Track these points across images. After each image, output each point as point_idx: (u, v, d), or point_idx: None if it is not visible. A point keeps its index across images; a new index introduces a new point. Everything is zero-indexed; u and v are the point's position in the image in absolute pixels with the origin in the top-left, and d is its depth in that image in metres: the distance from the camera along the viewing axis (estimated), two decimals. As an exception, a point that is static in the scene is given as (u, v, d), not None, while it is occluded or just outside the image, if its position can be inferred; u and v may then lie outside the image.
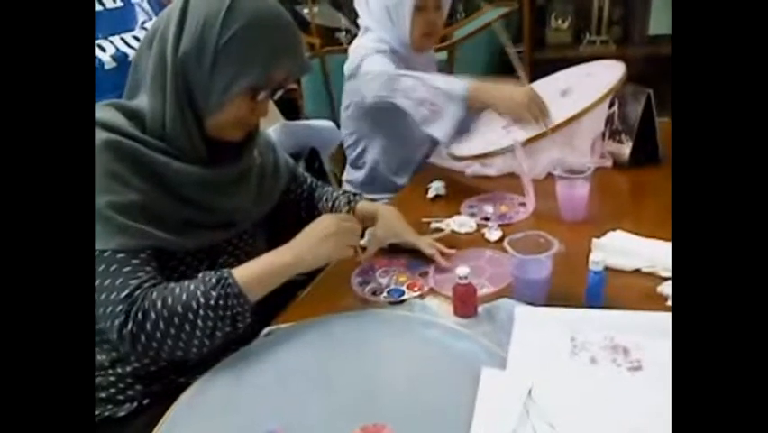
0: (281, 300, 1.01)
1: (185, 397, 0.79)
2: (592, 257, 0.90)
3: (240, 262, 0.87)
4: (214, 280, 0.82)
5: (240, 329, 0.84)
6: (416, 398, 0.73)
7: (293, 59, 0.88)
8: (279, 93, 0.91)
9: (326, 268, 1.07)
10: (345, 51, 1.57)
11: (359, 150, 1.64)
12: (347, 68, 1.53)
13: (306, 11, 3.17)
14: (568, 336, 0.79)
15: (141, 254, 0.82)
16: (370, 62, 1.45)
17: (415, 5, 1.41)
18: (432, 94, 1.34)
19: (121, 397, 0.92)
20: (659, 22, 2.71)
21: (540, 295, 0.90)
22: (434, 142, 1.58)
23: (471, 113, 1.38)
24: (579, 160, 1.31)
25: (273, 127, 1.56)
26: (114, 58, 1.82)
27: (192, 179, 0.87)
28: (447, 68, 2.66)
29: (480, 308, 0.90)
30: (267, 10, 0.85)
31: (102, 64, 1.79)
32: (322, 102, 2.51)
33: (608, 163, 1.40)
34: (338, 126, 1.67)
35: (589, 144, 1.39)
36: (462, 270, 0.87)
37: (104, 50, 1.85)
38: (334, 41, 3.22)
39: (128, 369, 0.92)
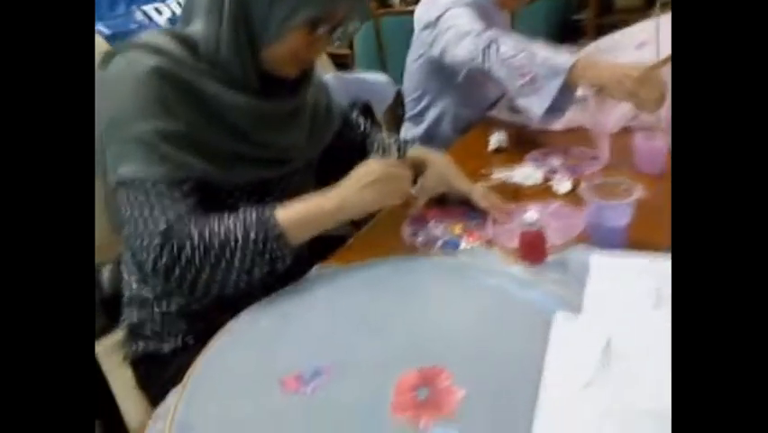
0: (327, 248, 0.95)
1: (229, 328, 0.74)
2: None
3: (289, 201, 0.81)
4: (254, 218, 0.77)
5: (279, 270, 0.79)
6: (476, 344, 0.65)
7: None
8: (338, 37, 0.84)
9: (375, 218, 1.00)
10: (399, 14, 1.48)
11: (422, 105, 1.55)
12: (422, 15, 1.41)
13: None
14: (652, 286, 0.69)
15: (183, 186, 0.78)
16: (455, 15, 1.29)
17: None
18: (533, 63, 1.12)
19: (165, 333, 0.89)
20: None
21: (618, 245, 0.80)
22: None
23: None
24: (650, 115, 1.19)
25: (326, 77, 1.50)
26: (170, 21, 1.81)
27: (243, 110, 0.83)
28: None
29: (549, 258, 0.80)
30: None
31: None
32: (374, 68, 2.44)
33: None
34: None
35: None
36: (531, 215, 0.78)
37: (160, 12, 1.84)
38: (387, 5, 3.14)
39: (173, 306, 0.89)
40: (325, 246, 0.94)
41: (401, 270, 0.80)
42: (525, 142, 1.25)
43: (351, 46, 2.84)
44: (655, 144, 1.04)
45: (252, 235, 0.76)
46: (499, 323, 0.68)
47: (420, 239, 0.92)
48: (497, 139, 1.25)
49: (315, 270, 0.86)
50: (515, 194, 1.04)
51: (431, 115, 1.54)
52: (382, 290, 0.77)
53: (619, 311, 0.67)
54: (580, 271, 0.76)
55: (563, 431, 0.53)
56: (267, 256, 0.76)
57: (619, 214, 0.80)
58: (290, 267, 0.81)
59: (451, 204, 1.00)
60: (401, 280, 0.78)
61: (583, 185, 0.82)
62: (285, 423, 0.59)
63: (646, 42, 1.35)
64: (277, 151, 0.89)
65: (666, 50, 1.21)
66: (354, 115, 1.18)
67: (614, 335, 0.62)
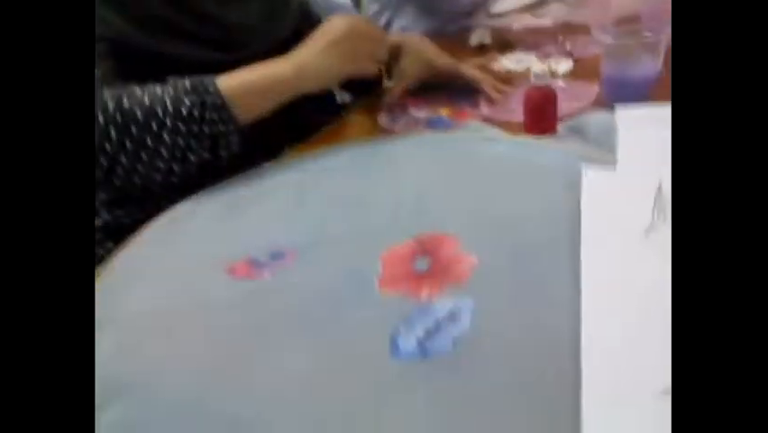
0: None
1: (159, 218, 0.57)
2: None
3: None
4: (188, 85, 0.60)
5: (223, 158, 0.62)
6: (484, 210, 0.49)
7: None
8: None
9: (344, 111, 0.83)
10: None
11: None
12: None
13: None
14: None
15: (97, 45, 0.61)
16: None
17: None
18: None
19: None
20: None
21: (643, 100, 0.65)
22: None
23: None
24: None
25: None
26: None
27: None
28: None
29: (560, 127, 0.65)
30: None
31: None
32: None
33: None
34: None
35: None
36: (539, 66, 0.62)
37: None
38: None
39: (98, 220, 0.72)
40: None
41: (383, 148, 0.63)
42: (508, 42, 1.09)
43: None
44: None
45: (186, 104, 0.59)
46: (510, 186, 0.52)
47: (401, 122, 0.76)
48: (478, 35, 1.09)
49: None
50: (506, 82, 0.89)
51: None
52: (361, 167, 0.60)
53: (659, 165, 0.52)
54: (602, 137, 0.61)
55: (623, 281, 0.38)
56: (206, 130, 0.60)
57: (647, 64, 0.65)
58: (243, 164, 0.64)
59: (434, 91, 0.83)
60: (384, 155, 0.62)
61: (601, 36, 0.67)
62: (229, 315, 0.43)
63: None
64: (224, 29, 0.72)
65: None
66: (314, 10, 1.01)
67: (663, 183, 0.47)
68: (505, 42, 1.06)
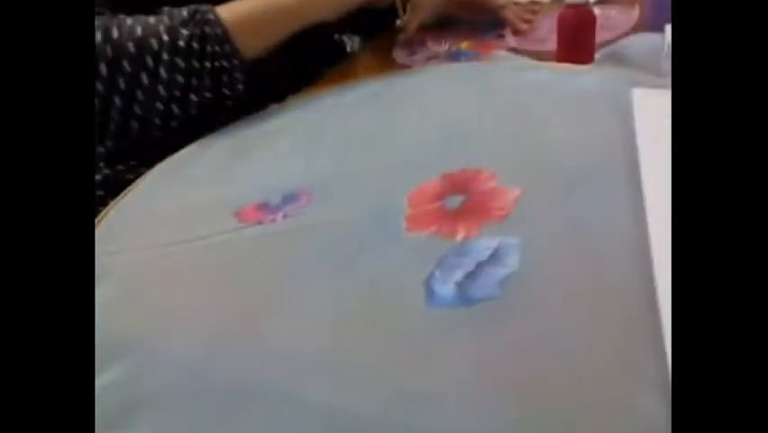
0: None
1: (162, 163, 0.52)
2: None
3: None
4: (184, 14, 0.54)
5: (227, 97, 0.56)
6: (521, 139, 0.43)
7: None
8: None
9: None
10: None
11: None
12: None
13: None
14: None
15: None
16: None
17: None
18: None
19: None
20: None
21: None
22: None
23: None
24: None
25: None
26: None
27: None
28: None
29: (597, 55, 0.59)
30: None
31: None
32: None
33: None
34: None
35: None
36: (574, -18, 0.55)
37: None
38: None
39: (98, 175, 0.66)
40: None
41: (404, 81, 0.57)
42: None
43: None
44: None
45: (184, 35, 0.53)
46: (551, 115, 0.45)
47: (419, 57, 0.69)
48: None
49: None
50: (534, 12, 0.81)
51: None
52: (381, 102, 0.53)
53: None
54: (647, 61, 0.54)
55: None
56: (207, 67, 0.54)
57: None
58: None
59: (454, 24, 0.76)
60: (406, 88, 0.55)
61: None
62: (238, 263, 0.38)
63: None
64: None
65: None
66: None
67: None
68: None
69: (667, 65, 0.50)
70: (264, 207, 0.42)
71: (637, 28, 0.64)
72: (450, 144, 0.44)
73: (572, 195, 0.36)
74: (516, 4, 0.75)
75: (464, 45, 0.70)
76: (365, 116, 0.51)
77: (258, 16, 0.57)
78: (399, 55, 0.71)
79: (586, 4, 0.56)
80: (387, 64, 0.70)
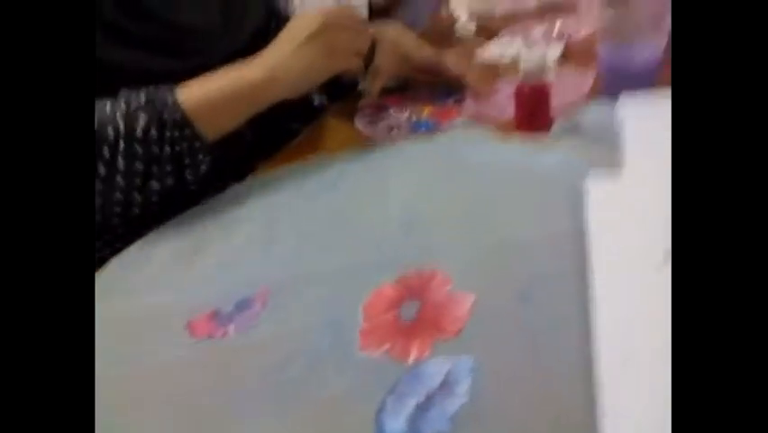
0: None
1: (114, 261, 0.50)
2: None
3: None
4: (142, 99, 0.53)
5: (190, 181, 0.55)
6: (479, 233, 0.43)
7: None
8: None
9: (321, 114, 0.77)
10: None
11: None
12: None
13: None
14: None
15: None
16: None
17: None
18: None
19: None
20: None
21: (647, 87, 0.59)
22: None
23: None
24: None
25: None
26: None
27: None
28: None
29: (554, 124, 0.59)
30: None
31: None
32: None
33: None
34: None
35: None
36: (531, 56, 0.56)
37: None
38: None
39: None
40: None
41: (360, 160, 0.57)
42: (493, 30, 1.01)
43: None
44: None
45: (141, 122, 0.51)
46: (506, 203, 0.46)
47: (381, 125, 0.69)
48: (461, 23, 1.01)
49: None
50: (491, 71, 0.82)
51: None
52: (338, 187, 0.53)
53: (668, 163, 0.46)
54: (602, 132, 0.55)
55: (643, 327, 0.32)
56: (167, 151, 0.52)
57: (649, 49, 0.58)
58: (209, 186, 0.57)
59: (415, 89, 0.76)
60: (361, 170, 0.55)
61: (596, 22, 0.60)
62: (189, 383, 0.36)
63: None
64: (177, 32, 0.65)
65: None
66: (282, 4, 0.93)
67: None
68: (489, 32, 0.99)
69: (620, 143, 0.50)
70: (216, 316, 0.41)
71: (594, 91, 0.64)
72: (407, 239, 0.43)
73: (525, 304, 0.35)
74: (475, 65, 0.75)
75: (426, 112, 0.70)
76: (323, 206, 0.50)
77: (221, 96, 0.56)
78: (362, 123, 0.70)
79: (540, 80, 0.56)
80: (350, 131, 0.70)
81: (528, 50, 0.56)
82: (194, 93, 0.55)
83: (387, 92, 0.75)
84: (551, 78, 0.63)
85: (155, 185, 0.54)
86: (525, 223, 0.42)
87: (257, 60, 0.59)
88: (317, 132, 0.74)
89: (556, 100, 0.61)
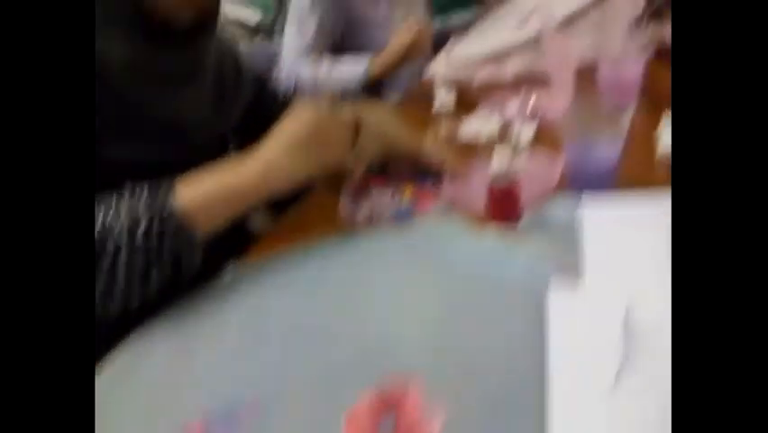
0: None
1: (110, 363, 0.53)
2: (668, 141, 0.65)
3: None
4: (144, 203, 0.57)
5: (185, 274, 0.58)
6: (451, 345, 0.47)
7: None
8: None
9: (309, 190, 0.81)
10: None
11: None
12: None
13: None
14: (664, 232, 0.53)
15: None
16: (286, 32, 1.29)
17: None
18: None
19: None
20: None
21: (608, 188, 0.64)
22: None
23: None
24: (614, 46, 1.06)
25: (240, 46, 1.29)
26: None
27: (123, 60, 0.61)
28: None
29: (525, 217, 0.63)
30: None
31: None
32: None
33: (649, 51, 1.11)
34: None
35: (626, 27, 1.11)
36: (500, 160, 0.60)
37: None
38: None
39: None
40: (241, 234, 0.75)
41: (341, 257, 0.61)
42: (471, 102, 1.07)
43: (270, 36, 2.61)
44: (625, 76, 0.89)
45: (143, 227, 0.55)
46: (479, 312, 0.50)
47: (363, 212, 0.73)
48: (441, 98, 1.07)
49: (230, 269, 0.66)
50: (468, 152, 0.87)
51: None
52: (319, 288, 0.57)
53: (630, 275, 0.51)
54: (566, 231, 0.59)
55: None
56: (166, 255, 0.56)
57: (607, 149, 0.63)
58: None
59: (396, 168, 0.81)
60: (342, 270, 0.59)
61: (560, 118, 0.65)
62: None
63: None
64: (167, 119, 0.69)
65: None
66: (271, 84, 0.98)
67: (631, 305, 0.46)
68: (467, 101, 1.05)
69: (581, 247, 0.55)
70: (206, 424, 0.44)
71: (563, 182, 0.69)
72: (384, 351, 0.47)
73: (497, 419, 0.39)
74: (452, 150, 0.80)
75: (407, 193, 0.74)
76: (306, 311, 0.54)
77: (217, 196, 0.59)
78: (345, 209, 0.74)
79: (509, 181, 0.61)
80: (334, 214, 0.74)
81: (498, 157, 0.61)
82: (191, 193, 0.58)
83: (370, 171, 0.79)
84: (522, 170, 0.68)
85: (155, 280, 0.57)
86: (492, 336, 0.47)
87: (252, 157, 0.62)
88: (303, 214, 0.78)
89: (527, 190, 0.66)
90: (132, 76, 0.63)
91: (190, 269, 0.59)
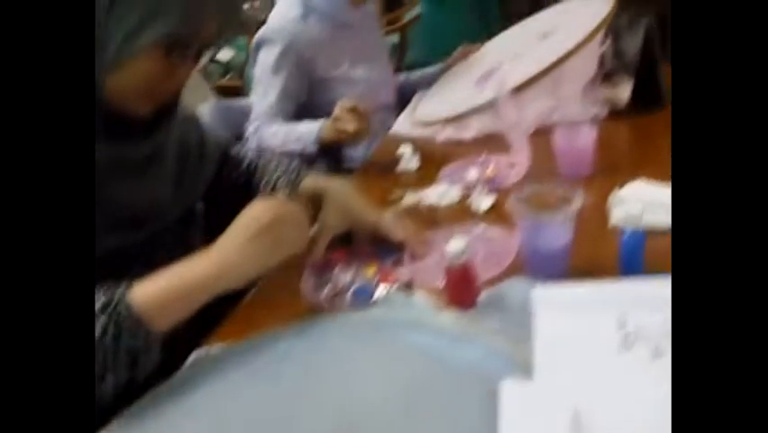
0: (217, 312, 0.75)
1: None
2: (619, 213, 0.68)
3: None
4: (100, 302, 0.57)
5: (143, 371, 0.59)
6: (406, 430, 0.48)
7: (223, 5, 0.65)
8: (205, 60, 0.67)
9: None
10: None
11: None
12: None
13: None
14: (614, 322, 0.55)
15: None
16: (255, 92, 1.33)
17: None
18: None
19: None
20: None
21: (560, 269, 0.67)
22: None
23: None
24: (569, 109, 1.10)
25: (203, 106, 1.31)
26: None
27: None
28: (399, 51, 2.44)
29: (481, 296, 0.66)
30: None
31: None
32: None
33: (602, 112, 1.16)
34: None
35: (580, 91, 1.16)
36: (456, 244, 0.62)
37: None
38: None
39: None
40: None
41: (302, 344, 0.62)
42: (433, 160, 1.10)
43: (241, 74, 2.64)
44: (579, 142, 0.93)
45: (99, 328, 0.55)
46: (435, 400, 0.51)
47: (325, 292, 0.74)
48: (405, 156, 1.10)
49: (192, 356, 0.66)
50: (430, 218, 0.90)
51: None
52: (281, 377, 0.58)
53: (579, 362, 0.52)
54: (521, 313, 0.61)
55: None
56: (122, 356, 0.56)
57: (559, 232, 0.66)
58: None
59: (359, 242, 0.83)
60: (304, 357, 0.60)
61: (512, 198, 0.68)
62: None
63: (551, 32, 1.27)
64: (129, 208, 0.69)
65: (573, 38, 1.13)
66: (237, 149, 0.99)
67: (580, 399, 0.48)
68: (430, 160, 1.08)
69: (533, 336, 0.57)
70: None
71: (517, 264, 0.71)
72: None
73: None
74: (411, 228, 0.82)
75: (370, 271, 0.76)
76: (269, 396, 0.55)
77: (174, 293, 0.60)
78: (307, 288, 0.75)
79: (464, 263, 0.63)
80: (296, 293, 0.75)
81: (453, 240, 0.63)
82: (147, 292, 0.59)
83: (332, 246, 0.81)
84: (477, 250, 0.70)
85: (110, 380, 0.57)
86: (447, 425, 0.48)
87: (207, 254, 0.63)
88: (262, 298, 0.78)
89: (482, 270, 0.69)
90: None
91: (149, 364, 0.59)
